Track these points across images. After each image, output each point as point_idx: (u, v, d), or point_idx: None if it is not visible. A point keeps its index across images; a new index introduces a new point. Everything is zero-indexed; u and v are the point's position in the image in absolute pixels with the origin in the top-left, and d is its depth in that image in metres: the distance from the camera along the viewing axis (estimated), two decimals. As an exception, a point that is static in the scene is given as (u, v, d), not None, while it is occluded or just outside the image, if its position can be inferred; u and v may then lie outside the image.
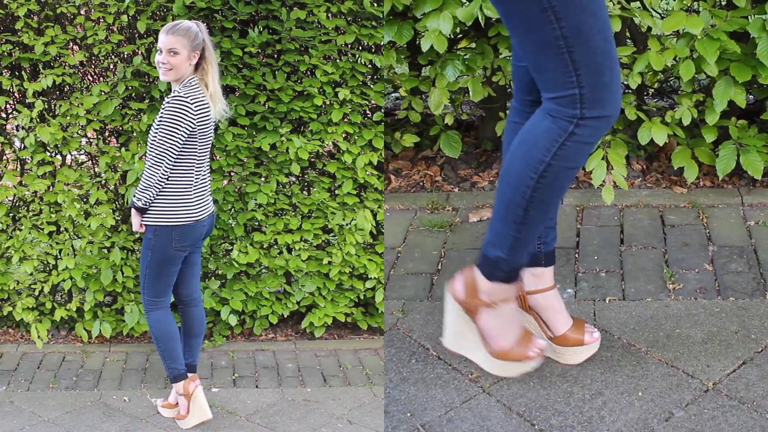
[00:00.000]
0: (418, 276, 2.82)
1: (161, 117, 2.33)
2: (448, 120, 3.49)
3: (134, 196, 2.38)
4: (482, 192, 3.50)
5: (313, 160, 3.17)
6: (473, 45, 3.50)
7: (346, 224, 3.14)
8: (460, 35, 3.70)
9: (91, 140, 3.08)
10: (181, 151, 2.36)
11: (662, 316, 2.46)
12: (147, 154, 2.37)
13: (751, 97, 3.68)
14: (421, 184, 3.62)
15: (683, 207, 3.24)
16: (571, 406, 2.05)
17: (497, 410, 2.07)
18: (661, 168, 3.55)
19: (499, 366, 2.15)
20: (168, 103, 2.33)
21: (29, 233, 2.98)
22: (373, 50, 3.17)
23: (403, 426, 2.06)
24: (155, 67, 2.56)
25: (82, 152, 3.08)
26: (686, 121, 3.16)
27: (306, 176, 3.18)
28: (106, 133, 3.06)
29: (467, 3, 3.10)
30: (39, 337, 3.01)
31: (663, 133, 3.13)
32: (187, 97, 2.34)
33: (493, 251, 2.03)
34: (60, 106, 2.94)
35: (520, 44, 1.85)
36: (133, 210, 2.41)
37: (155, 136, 2.34)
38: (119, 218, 3.08)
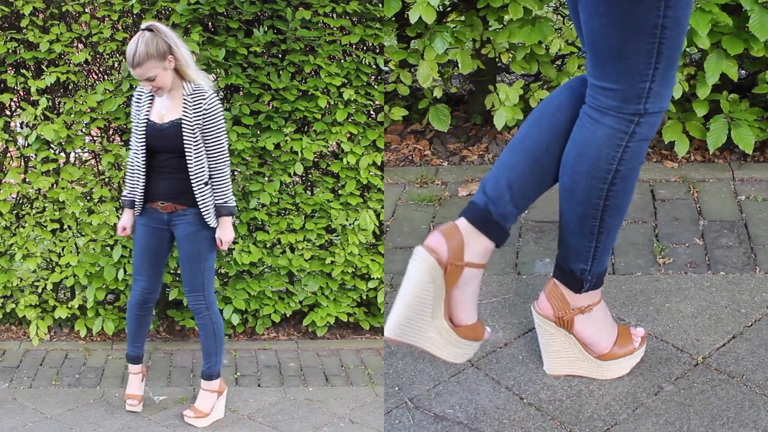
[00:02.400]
0: (406, 250, 2.87)
1: (216, 118, 2.44)
2: (437, 93, 3.52)
3: (226, 202, 2.50)
4: (472, 166, 3.55)
5: (316, 160, 3.23)
6: (462, 17, 3.52)
7: (349, 224, 3.19)
8: (449, 7, 3.73)
9: (95, 138, 3.14)
10: None
11: (652, 291, 2.51)
12: (218, 157, 2.47)
13: (743, 72, 3.72)
14: (410, 158, 3.67)
15: (674, 181, 3.28)
16: (560, 380, 2.11)
17: (486, 384, 2.12)
18: (652, 142, 3.55)
19: (610, 368, 2.13)
20: (210, 104, 2.43)
21: (33, 230, 3.04)
22: (378, 51, 3.23)
23: (392, 400, 2.11)
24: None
25: (86, 150, 3.14)
26: (677, 95, 3.19)
27: (309, 176, 3.25)
28: (110, 131, 3.13)
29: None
30: (36, 335, 3.06)
31: None
32: (212, 91, 2.47)
33: (576, 265, 2.03)
34: (64, 103, 3.02)
35: (608, 27, 1.77)
36: (229, 219, 2.51)
37: (223, 137, 2.47)
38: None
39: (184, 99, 2.45)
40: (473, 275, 1.95)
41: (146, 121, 2.49)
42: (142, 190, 2.53)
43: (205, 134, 2.46)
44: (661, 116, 1.87)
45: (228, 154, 2.51)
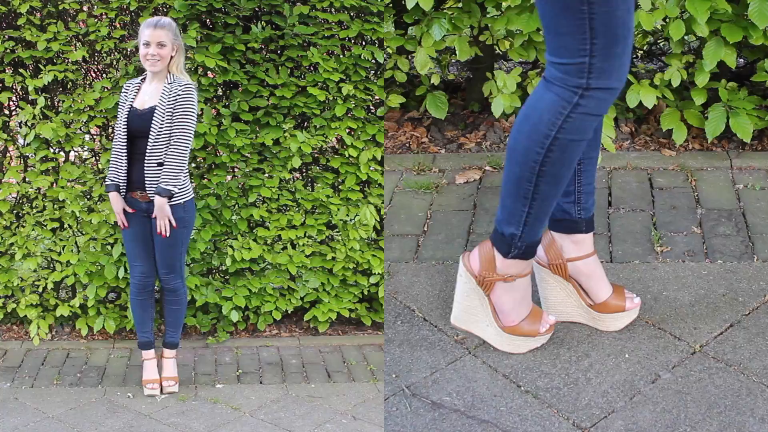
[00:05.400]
0: (403, 237, 2.92)
1: (187, 104, 2.66)
2: (435, 80, 3.54)
3: (167, 183, 2.64)
4: (469, 153, 3.59)
5: (316, 155, 3.29)
6: (460, 4, 3.54)
7: (350, 220, 3.24)
8: (447, -7, 3.76)
9: (94, 136, 3.19)
10: None
11: (650, 279, 2.55)
12: (175, 142, 2.64)
13: (741, 60, 3.77)
14: (408, 145, 3.70)
15: (672, 170, 3.32)
16: (557, 368, 2.15)
17: (483, 372, 2.17)
18: (650, 130, 3.62)
19: (509, 341, 2.22)
20: (184, 91, 2.66)
21: (33, 230, 3.10)
22: (377, 44, 3.28)
23: (388, 387, 2.16)
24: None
25: (85, 149, 3.20)
26: (675, 83, 3.24)
27: (309, 172, 3.30)
28: (109, 129, 3.17)
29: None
30: (37, 334, 3.12)
31: (651, 95, 3.21)
32: (192, 83, 2.74)
33: (507, 228, 2.10)
34: (62, 102, 3.07)
35: (541, 3, 1.87)
36: (162, 199, 2.64)
37: (187, 124, 2.66)
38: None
39: (164, 87, 2.69)
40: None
41: (130, 107, 2.69)
42: (125, 178, 2.71)
43: (173, 118, 2.65)
44: (613, 93, 1.92)
45: (188, 146, 2.68)
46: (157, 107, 2.66)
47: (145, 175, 2.68)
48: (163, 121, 2.65)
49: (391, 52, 3.57)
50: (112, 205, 2.75)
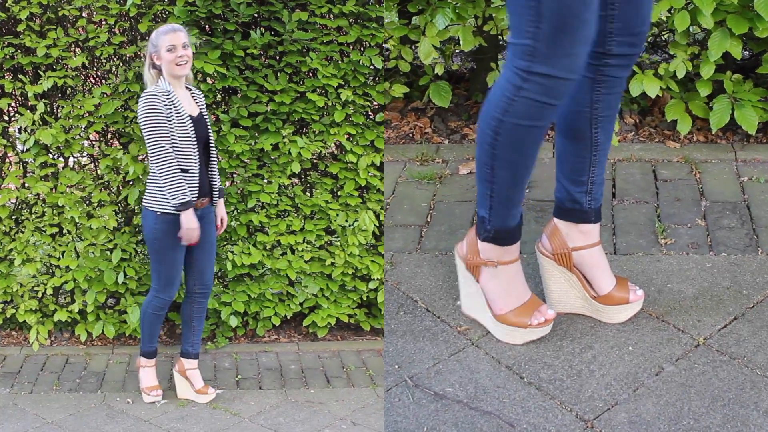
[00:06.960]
0: (406, 228, 2.97)
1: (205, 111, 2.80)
2: (438, 70, 3.57)
3: (220, 188, 2.85)
4: (472, 144, 3.63)
5: (315, 161, 3.32)
6: None
7: (349, 225, 3.27)
8: (452, -18, 3.81)
9: (93, 142, 3.22)
10: None
11: (653, 271, 2.57)
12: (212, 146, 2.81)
13: (746, 52, 3.80)
14: (411, 135, 3.75)
15: (676, 162, 3.37)
16: (560, 360, 2.17)
17: (486, 363, 2.19)
18: (655, 122, 3.67)
19: (504, 330, 2.25)
20: (203, 99, 2.83)
21: (32, 235, 3.12)
22: (378, 49, 3.29)
23: (391, 378, 2.17)
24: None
25: (84, 154, 3.23)
26: (680, 74, 3.27)
27: (308, 177, 3.33)
28: (108, 135, 3.21)
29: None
30: (37, 339, 3.14)
31: (655, 85, 3.24)
32: None
33: (480, 210, 2.17)
34: (62, 108, 3.10)
35: None
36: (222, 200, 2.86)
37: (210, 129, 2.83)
38: (121, 220, 3.21)
39: (192, 93, 2.78)
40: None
41: (189, 116, 2.69)
42: (197, 190, 2.70)
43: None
44: (559, 83, 1.91)
45: None
46: (203, 113, 2.78)
47: (212, 181, 2.78)
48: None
49: (393, 44, 3.59)
50: (190, 224, 2.63)
